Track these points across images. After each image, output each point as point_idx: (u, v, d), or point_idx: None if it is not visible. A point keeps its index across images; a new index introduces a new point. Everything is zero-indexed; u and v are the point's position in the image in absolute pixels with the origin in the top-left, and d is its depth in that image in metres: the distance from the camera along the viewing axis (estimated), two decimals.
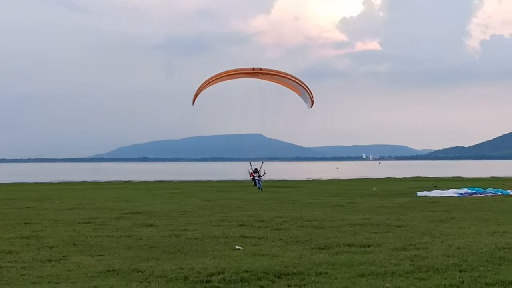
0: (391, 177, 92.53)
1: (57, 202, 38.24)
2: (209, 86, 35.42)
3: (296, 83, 35.50)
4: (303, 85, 35.41)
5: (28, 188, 62.89)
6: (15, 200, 41.04)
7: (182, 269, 14.73)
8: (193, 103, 35.86)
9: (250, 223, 24.65)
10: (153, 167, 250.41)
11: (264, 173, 48.41)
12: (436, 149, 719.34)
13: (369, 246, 18.04)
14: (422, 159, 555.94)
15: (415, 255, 16.27)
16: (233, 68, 36.01)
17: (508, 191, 44.37)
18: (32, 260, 16.45)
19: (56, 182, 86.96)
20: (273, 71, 35.19)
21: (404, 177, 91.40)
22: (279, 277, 13.86)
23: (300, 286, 13.14)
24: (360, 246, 18.09)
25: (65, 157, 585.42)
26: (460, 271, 14.25)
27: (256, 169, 48.16)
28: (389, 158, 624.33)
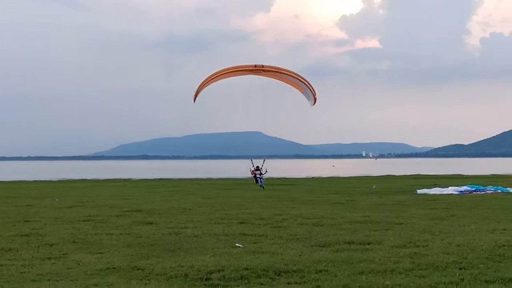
0: (391, 175, 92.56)
1: (57, 200, 38.24)
2: (211, 83, 35.33)
3: (298, 80, 35.38)
4: (306, 82, 35.30)
5: (28, 186, 62.88)
6: (15, 198, 41.03)
7: (182, 266, 14.73)
8: (194, 101, 35.80)
9: (250, 220, 24.66)
10: (153, 165, 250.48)
11: (266, 171, 48.32)
12: (436, 147, 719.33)
13: (369, 244, 18.05)
14: (422, 157, 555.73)
15: (415, 253, 16.27)
16: (235, 65, 35.91)
17: (508, 188, 44.39)
18: (32, 258, 16.45)
19: (56, 180, 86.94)
20: (275, 68, 35.09)
21: (404, 175, 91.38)
22: (279, 275, 13.86)
23: (300, 283, 13.15)
24: (360, 244, 18.09)
25: (65, 155, 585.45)
26: (460, 269, 14.25)
27: (257, 167, 48.07)
28: (389, 155, 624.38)
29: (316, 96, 35.99)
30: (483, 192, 42.91)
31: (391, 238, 19.14)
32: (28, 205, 33.53)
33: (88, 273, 14.42)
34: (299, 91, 37.06)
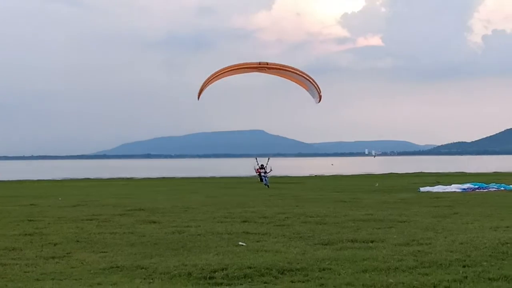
0: (394, 173, 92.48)
1: (60, 199, 38.29)
2: (215, 80, 35.14)
3: (303, 78, 35.16)
4: (310, 80, 35.07)
5: (31, 185, 63.00)
6: (18, 197, 41.08)
7: (186, 265, 14.74)
8: (198, 98, 35.67)
9: (253, 219, 24.65)
10: (156, 164, 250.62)
11: (271, 169, 48.22)
12: (439, 145, 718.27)
13: (372, 242, 18.04)
14: (425, 155, 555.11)
15: (418, 251, 16.26)
16: (239, 62, 35.76)
17: (511, 186, 44.33)
18: (36, 257, 16.47)
19: (59, 179, 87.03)
20: (280, 66, 34.89)
21: (406, 173, 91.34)
22: (282, 273, 13.86)
23: (303, 282, 13.15)
24: (363, 242, 18.08)
25: (68, 154, 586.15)
26: (464, 266, 14.24)
27: (262, 165, 48.00)
28: (392, 153, 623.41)
29: (321, 93, 35.81)
30: (486, 190, 42.87)
31: (394, 236, 19.12)
32: (31, 204, 33.57)
33: (91, 272, 14.44)
34: (304, 89, 36.89)
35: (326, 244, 17.87)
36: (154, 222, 23.95)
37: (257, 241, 18.72)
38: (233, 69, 34.63)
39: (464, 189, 43.04)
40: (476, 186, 44.24)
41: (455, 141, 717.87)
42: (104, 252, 17.16)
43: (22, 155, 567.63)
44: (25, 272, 14.54)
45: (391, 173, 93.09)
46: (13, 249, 17.74)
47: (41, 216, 27.03)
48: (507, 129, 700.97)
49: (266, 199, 36.53)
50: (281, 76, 35.73)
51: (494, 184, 46.04)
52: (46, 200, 37.60)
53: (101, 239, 19.70)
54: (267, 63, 34.28)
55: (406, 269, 14.06)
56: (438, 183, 50.46)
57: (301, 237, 19.50)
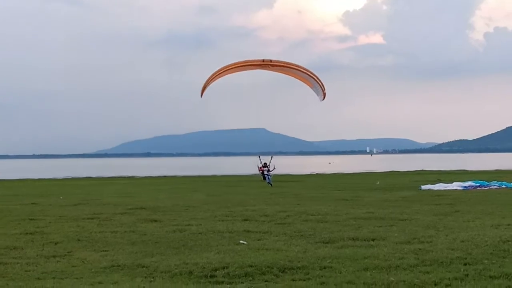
0: (395, 171, 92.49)
1: (61, 198, 38.31)
2: (218, 78, 35.05)
3: (307, 75, 35.04)
4: (314, 77, 34.95)
5: (33, 184, 63.03)
6: (19, 196, 41.11)
7: (187, 264, 14.74)
8: (201, 95, 35.58)
9: (254, 217, 24.65)
10: (157, 163, 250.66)
11: (274, 168, 48.11)
12: (440, 142, 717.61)
13: (373, 240, 18.03)
14: (426, 153, 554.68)
15: (420, 249, 16.25)
16: (242, 59, 35.67)
17: None
18: (37, 256, 16.47)
19: (61, 178, 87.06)
20: (284, 63, 34.79)
21: (408, 171, 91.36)
22: (283, 272, 13.86)
23: (304, 280, 13.13)
24: (364, 240, 18.07)
25: (69, 153, 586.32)
26: (465, 264, 14.23)
27: (265, 163, 47.90)
28: (393, 151, 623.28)
29: (325, 91, 35.68)
30: (488, 188, 42.86)
31: (396, 234, 19.11)
32: (32, 203, 33.58)
33: (92, 271, 14.44)
34: (308, 86, 36.72)
35: (327, 242, 17.86)
36: (155, 221, 23.95)
37: (258, 240, 18.71)
38: (237, 67, 34.55)
39: (465, 187, 43.01)
40: (478, 184, 44.23)
41: (456, 139, 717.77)
42: (105, 251, 17.17)
43: (23, 154, 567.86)
44: (26, 271, 14.54)
45: (392, 171, 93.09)
46: (14, 248, 17.74)
47: (42, 215, 27.04)
48: (508, 127, 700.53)
49: (267, 197, 36.54)
50: (285, 74, 35.62)
51: (496, 182, 46.01)
52: (47, 199, 37.62)
53: (102, 238, 19.70)
54: (270, 61, 34.18)
55: (407, 267, 14.05)
56: (439, 181, 50.47)
57: (302, 235, 19.50)
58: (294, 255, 15.71)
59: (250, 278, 13.37)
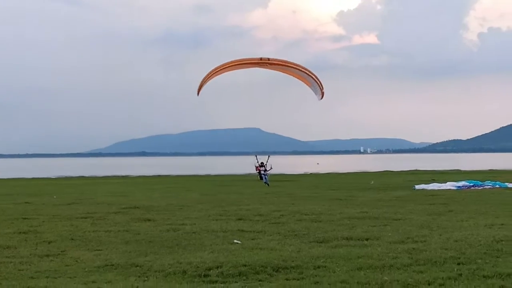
0: (389, 171, 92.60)
1: (55, 197, 38.21)
2: (215, 76, 34.93)
3: (305, 74, 34.90)
4: (313, 76, 34.82)
5: (26, 183, 62.85)
6: (13, 195, 41.00)
7: (180, 263, 14.72)
8: (198, 94, 35.49)
9: (248, 217, 24.65)
10: (151, 162, 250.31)
11: (271, 167, 47.97)
12: (434, 142, 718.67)
13: (367, 240, 18.04)
14: (420, 152, 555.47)
15: (413, 248, 16.27)
16: (240, 58, 35.48)
17: (506, 183, 44.42)
18: (30, 255, 16.43)
19: (54, 177, 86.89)
20: (282, 61, 34.64)
21: (402, 170, 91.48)
22: (277, 271, 13.86)
23: (298, 279, 13.13)
24: (358, 240, 18.09)
25: (63, 152, 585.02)
26: (458, 264, 14.26)
27: (262, 163, 47.79)
28: (387, 151, 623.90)
29: (324, 90, 35.57)
30: (481, 187, 42.95)
31: (389, 234, 19.13)
32: (26, 203, 33.49)
33: (86, 270, 14.41)
34: (306, 85, 36.58)
35: (321, 242, 17.87)
36: (149, 220, 23.92)
37: (252, 239, 18.71)
38: (234, 65, 34.43)
39: (459, 186, 43.09)
40: (471, 184, 44.32)
41: (450, 139, 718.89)
42: (99, 250, 17.13)
43: (17, 154, 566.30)
44: (19, 270, 14.50)
45: (386, 170, 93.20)
46: (7, 247, 17.69)
47: (35, 214, 26.98)
48: (502, 127, 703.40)
49: (262, 196, 36.54)
50: (283, 72, 35.48)
51: (489, 181, 46.13)
52: (40, 198, 37.52)
53: (96, 237, 19.66)
54: (268, 59, 34.09)
55: (401, 266, 14.06)
56: (433, 181, 50.56)
57: (296, 235, 19.50)
58: (288, 254, 15.71)
59: (244, 278, 13.36)
